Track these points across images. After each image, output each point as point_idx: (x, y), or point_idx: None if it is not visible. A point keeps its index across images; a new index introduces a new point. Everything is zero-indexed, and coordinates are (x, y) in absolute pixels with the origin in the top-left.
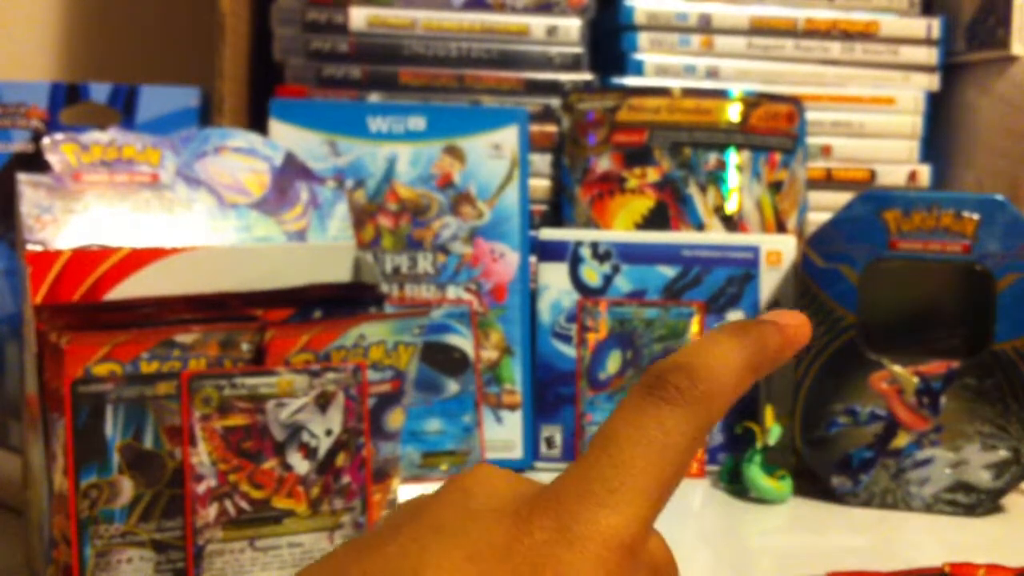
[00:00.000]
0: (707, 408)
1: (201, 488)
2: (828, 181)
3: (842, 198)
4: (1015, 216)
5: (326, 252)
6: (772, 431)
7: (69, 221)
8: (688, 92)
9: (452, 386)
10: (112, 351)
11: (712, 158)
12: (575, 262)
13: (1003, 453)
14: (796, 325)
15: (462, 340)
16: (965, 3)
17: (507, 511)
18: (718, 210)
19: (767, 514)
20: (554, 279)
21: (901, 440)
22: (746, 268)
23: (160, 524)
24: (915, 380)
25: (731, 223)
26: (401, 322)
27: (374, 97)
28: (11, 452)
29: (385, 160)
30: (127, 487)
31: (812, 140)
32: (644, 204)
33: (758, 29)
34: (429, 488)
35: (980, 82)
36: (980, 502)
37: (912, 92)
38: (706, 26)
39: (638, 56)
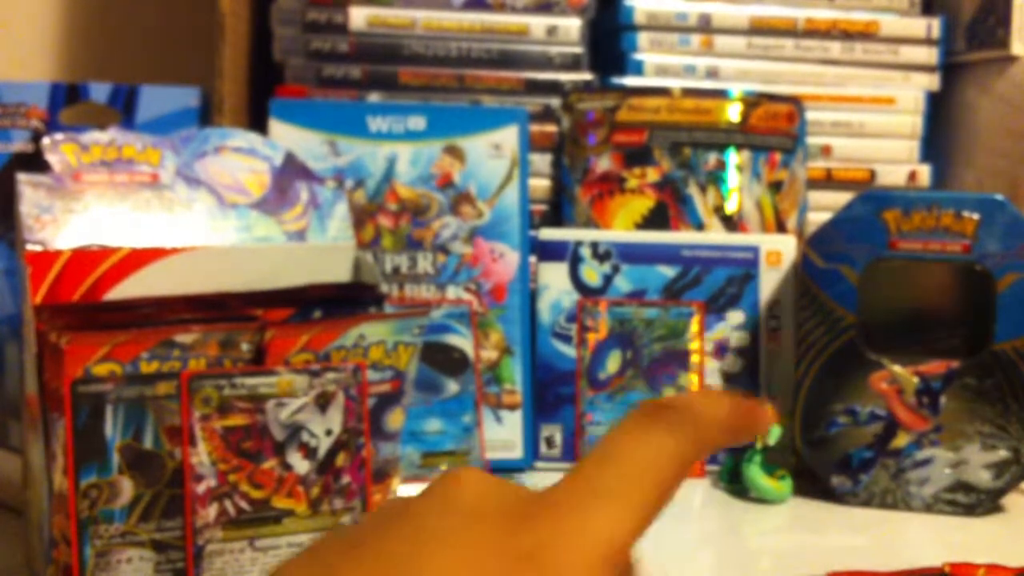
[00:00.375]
0: (698, 441)
1: (201, 488)
2: (828, 181)
3: (842, 198)
4: (1015, 216)
5: (326, 252)
6: (772, 431)
7: (69, 221)
8: (688, 92)
9: (452, 386)
10: (112, 351)
11: (712, 158)
12: (575, 262)
13: (1003, 453)
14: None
15: (462, 340)
16: (965, 3)
17: (500, 514)
18: (718, 210)
19: (767, 514)
20: (554, 279)
21: (901, 440)
22: (746, 268)
23: (160, 524)
24: (915, 380)
25: (731, 223)
26: (401, 322)
27: (374, 97)
28: (11, 452)
29: (385, 160)
30: (127, 487)
31: (812, 140)
32: (644, 204)
33: (758, 29)
34: None
35: (980, 82)
36: (980, 502)
37: (912, 92)
38: (706, 26)
39: (638, 56)
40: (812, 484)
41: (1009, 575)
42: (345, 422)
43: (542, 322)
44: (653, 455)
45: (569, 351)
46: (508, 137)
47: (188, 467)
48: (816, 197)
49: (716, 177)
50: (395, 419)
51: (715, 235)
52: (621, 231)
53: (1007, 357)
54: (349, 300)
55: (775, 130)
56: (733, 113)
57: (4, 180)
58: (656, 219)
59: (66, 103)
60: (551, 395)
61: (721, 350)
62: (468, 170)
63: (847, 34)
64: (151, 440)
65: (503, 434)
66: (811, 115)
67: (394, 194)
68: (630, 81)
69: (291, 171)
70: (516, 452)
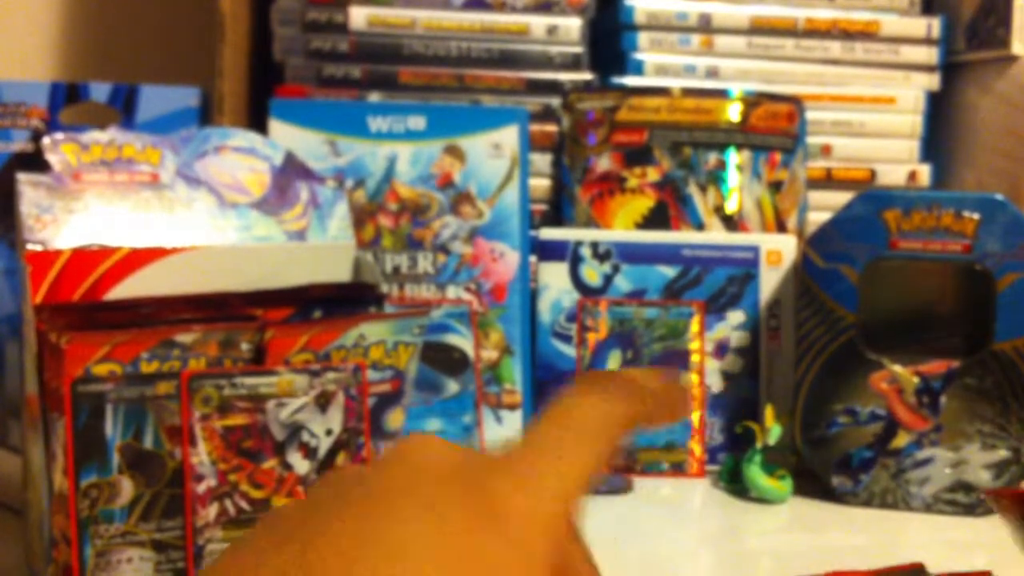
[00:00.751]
0: (637, 410)
1: (201, 488)
2: (828, 181)
3: (842, 198)
4: (1015, 216)
5: (326, 252)
6: (772, 431)
7: (69, 221)
8: (688, 92)
9: (452, 386)
10: (112, 351)
11: (712, 158)
12: (575, 262)
13: (1003, 453)
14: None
15: (462, 340)
16: (965, 3)
17: (459, 474)
18: (718, 210)
19: (767, 514)
20: (554, 279)
21: (901, 440)
22: (746, 268)
23: (160, 524)
24: (915, 380)
25: (731, 223)
26: (401, 322)
27: (374, 97)
28: (11, 452)
29: (385, 160)
30: (127, 487)
31: (812, 140)
32: (644, 204)
33: (758, 29)
34: None
35: (980, 82)
36: (980, 502)
37: (912, 92)
38: (706, 26)
39: (638, 56)
40: (812, 484)
41: None
42: (345, 422)
43: (542, 322)
44: (600, 419)
45: (569, 351)
46: (508, 137)
47: (188, 467)
48: (816, 197)
49: (716, 177)
50: (395, 419)
51: (715, 235)
52: (621, 231)
53: (1007, 357)
54: (349, 300)
55: (775, 130)
56: (733, 113)
57: (4, 180)
58: (656, 219)
59: (66, 103)
60: (551, 395)
61: (721, 350)
62: (468, 170)
63: (847, 34)
64: (151, 440)
65: (503, 434)
66: (811, 115)
67: (394, 194)
68: (630, 81)
69: (291, 171)
70: None
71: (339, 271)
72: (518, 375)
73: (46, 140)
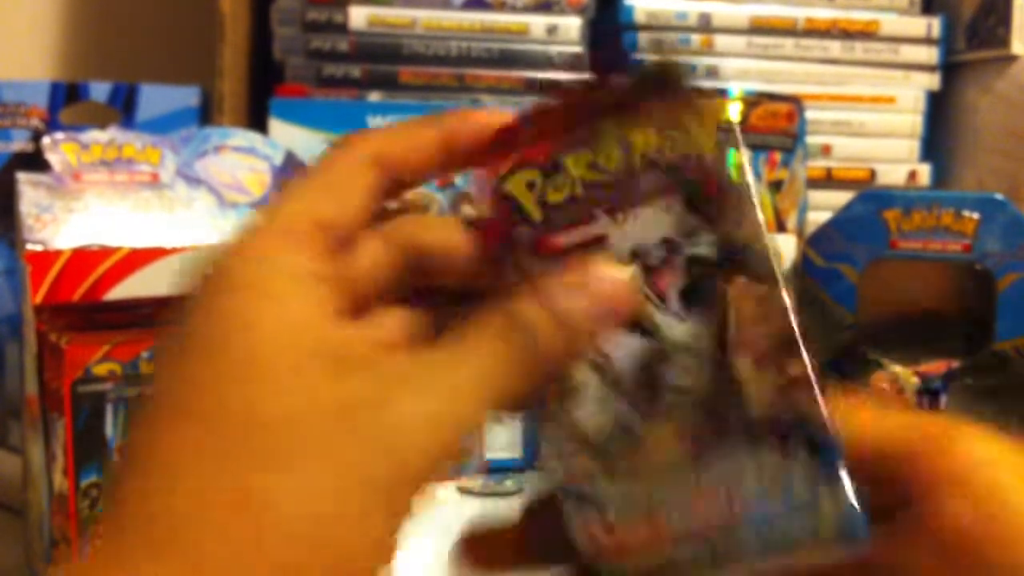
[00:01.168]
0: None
1: None
2: (828, 180)
3: (842, 198)
4: (1015, 216)
5: None
6: None
7: (69, 221)
8: None
9: None
10: (112, 351)
11: None
12: None
13: None
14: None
15: None
16: (965, 2)
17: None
18: None
19: None
20: None
21: None
22: None
23: None
24: (915, 380)
25: None
26: None
27: (374, 96)
28: (11, 452)
29: None
30: None
31: (812, 139)
32: None
33: (758, 28)
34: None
35: (980, 81)
36: None
37: (912, 91)
38: (706, 25)
39: (638, 56)
40: None
41: None
42: None
43: None
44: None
45: None
46: None
47: None
48: (816, 197)
49: None
50: None
51: None
52: None
53: (1007, 357)
54: None
55: (775, 129)
56: (733, 112)
57: (4, 180)
58: None
59: (66, 103)
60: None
61: None
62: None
63: (847, 33)
64: None
65: (503, 434)
66: (811, 114)
67: None
68: None
69: (291, 170)
70: (516, 452)
71: None
72: None
73: (46, 140)
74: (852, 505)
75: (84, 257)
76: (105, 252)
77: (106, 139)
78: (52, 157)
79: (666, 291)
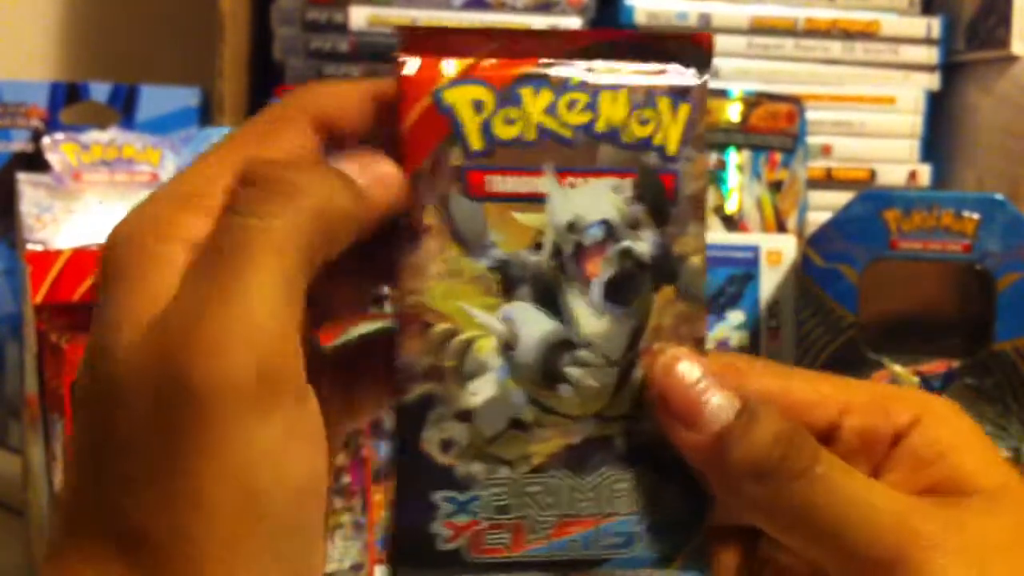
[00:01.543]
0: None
1: None
2: (828, 181)
3: (842, 198)
4: (1015, 216)
5: None
6: None
7: (69, 221)
8: None
9: None
10: None
11: (712, 158)
12: None
13: (1003, 453)
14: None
15: None
16: (965, 3)
17: None
18: (718, 210)
19: None
20: None
21: None
22: (746, 268)
23: None
24: (915, 380)
25: (731, 223)
26: None
27: None
28: (11, 452)
29: None
30: None
31: (812, 140)
32: None
33: (758, 29)
34: None
35: (980, 82)
36: None
37: (912, 92)
38: (706, 26)
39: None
40: None
41: None
42: None
43: None
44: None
45: None
46: None
47: None
48: (816, 197)
49: (716, 177)
50: None
51: (715, 235)
52: None
53: (1007, 357)
54: None
55: (775, 130)
56: (733, 113)
57: (4, 180)
58: None
59: (66, 103)
60: None
61: (721, 350)
62: None
63: (847, 34)
64: None
65: None
66: (811, 115)
67: None
68: None
69: None
70: None
71: None
72: None
73: (46, 140)
74: (706, 547)
75: (84, 257)
76: None
77: (106, 139)
78: (52, 157)
79: (591, 278)
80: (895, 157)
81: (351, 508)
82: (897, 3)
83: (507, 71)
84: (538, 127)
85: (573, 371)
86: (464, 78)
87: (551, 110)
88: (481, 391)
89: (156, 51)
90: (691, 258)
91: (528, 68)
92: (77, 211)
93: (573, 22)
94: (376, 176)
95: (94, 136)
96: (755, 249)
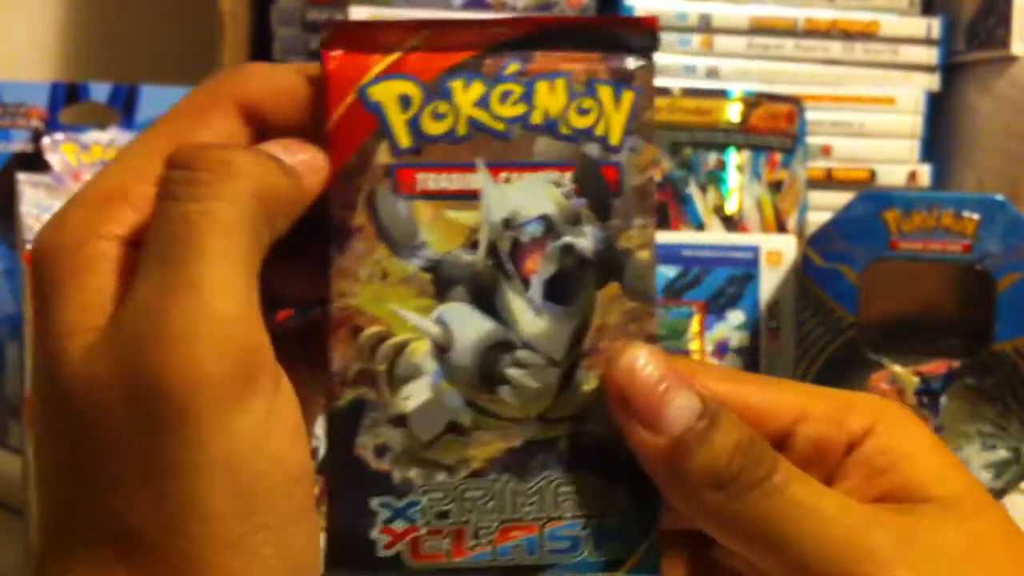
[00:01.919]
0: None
1: None
2: (828, 181)
3: (842, 198)
4: (1015, 216)
5: None
6: None
7: None
8: (688, 92)
9: None
10: None
11: (712, 158)
12: None
13: (1003, 453)
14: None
15: None
16: (965, 3)
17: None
18: (718, 210)
19: None
20: None
21: None
22: (746, 268)
23: None
24: (915, 380)
25: (731, 223)
26: None
27: None
28: (11, 452)
29: None
30: None
31: (812, 140)
32: None
33: (758, 29)
34: None
35: (980, 82)
36: None
37: (912, 92)
38: (706, 26)
39: None
40: None
41: None
42: None
43: None
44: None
45: None
46: None
47: None
48: (816, 197)
49: (716, 177)
50: None
51: (715, 235)
52: None
53: (1007, 357)
54: None
55: (775, 130)
56: (733, 113)
57: (4, 180)
58: (656, 218)
59: (66, 103)
60: None
61: (721, 350)
62: None
63: (847, 34)
64: None
65: None
66: (811, 115)
67: None
68: None
69: None
70: None
71: None
72: None
73: (46, 140)
74: (656, 552)
75: None
76: None
77: (106, 139)
78: (52, 157)
79: (530, 276)
80: (895, 157)
81: None
82: (897, 3)
83: (435, 64)
84: (469, 121)
85: (513, 372)
86: (390, 73)
87: (483, 103)
88: (415, 395)
89: (156, 51)
90: (637, 253)
91: (457, 60)
92: None
93: None
94: (304, 160)
95: (94, 136)
96: (755, 249)
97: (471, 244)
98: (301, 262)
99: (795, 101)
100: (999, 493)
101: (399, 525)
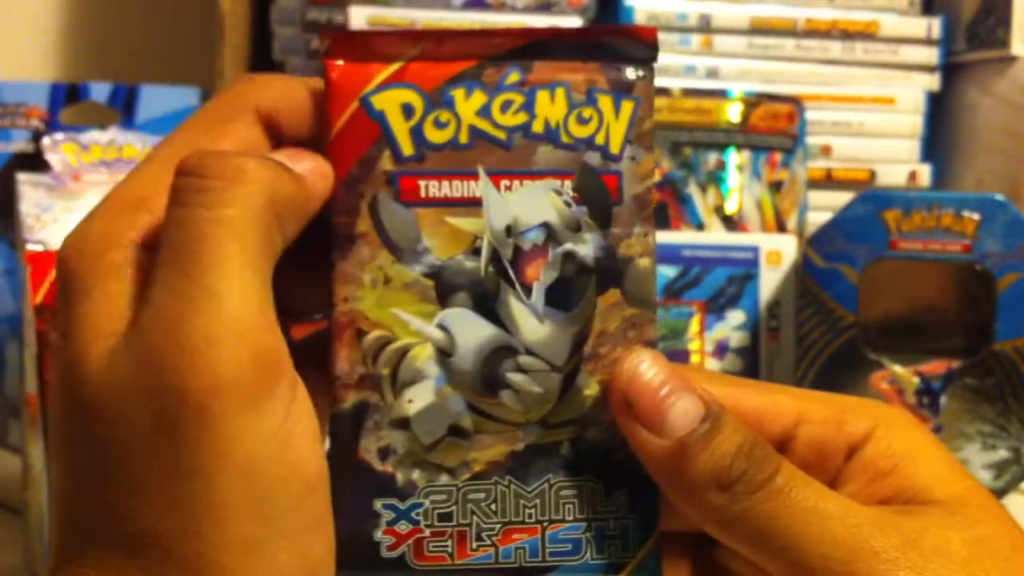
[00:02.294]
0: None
1: None
2: (828, 181)
3: (842, 198)
4: (1015, 216)
5: None
6: None
7: (69, 221)
8: (688, 92)
9: None
10: None
11: (712, 158)
12: None
13: (1003, 453)
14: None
15: None
16: (965, 3)
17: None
18: (718, 210)
19: None
20: None
21: None
22: (746, 268)
23: None
24: (915, 380)
25: (731, 223)
26: None
27: None
28: (11, 452)
29: None
30: None
31: (812, 140)
32: None
33: (758, 29)
34: None
35: (980, 82)
36: None
37: (912, 92)
38: (706, 26)
39: None
40: None
41: None
42: None
43: None
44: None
45: None
46: None
47: None
48: (816, 197)
49: (716, 177)
50: None
51: (715, 235)
52: None
53: (1007, 357)
54: None
55: (775, 130)
56: (733, 113)
57: (4, 180)
58: (656, 219)
59: (66, 103)
60: None
61: (721, 350)
62: None
63: (847, 34)
64: None
65: None
66: (811, 115)
67: None
68: None
69: None
70: None
71: None
72: None
73: (46, 140)
74: (656, 555)
75: None
76: None
77: (106, 139)
78: (52, 157)
79: (531, 282)
80: (895, 157)
81: None
82: (897, 3)
83: (437, 73)
84: (471, 129)
85: (515, 377)
86: (392, 82)
87: (484, 112)
88: (418, 399)
89: (156, 51)
90: (638, 260)
91: (459, 69)
92: (77, 211)
93: (573, 22)
94: (309, 167)
95: (94, 136)
96: (755, 249)
97: (473, 251)
98: (307, 273)
99: (795, 101)
100: (999, 493)
101: (402, 527)
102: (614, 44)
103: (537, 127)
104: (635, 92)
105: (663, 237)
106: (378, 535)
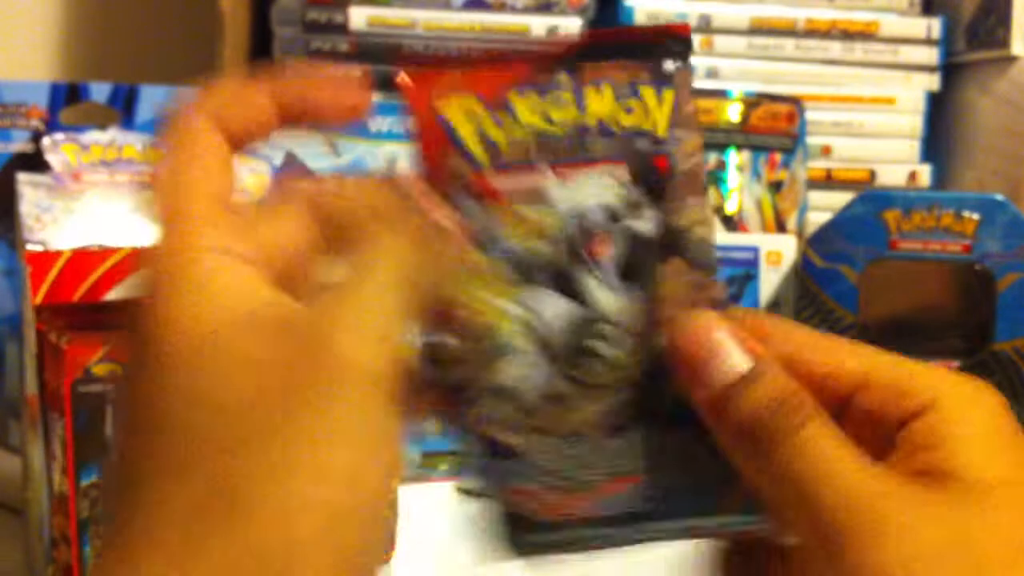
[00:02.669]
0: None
1: None
2: (828, 181)
3: (842, 198)
4: (1015, 216)
5: None
6: None
7: (69, 221)
8: None
9: None
10: (112, 351)
11: (712, 158)
12: None
13: None
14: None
15: None
16: (965, 3)
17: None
18: (718, 210)
19: None
20: None
21: None
22: (746, 268)
23: None
24: None
25: (731, 223)
26: None
27: (374, 97)
28: (11, 452)
29: (386, 160)
30: None
31: (812, 140)
32: None
33: (758, 29)
34: (428, 488)
35: (980, 82)
36: None
37: (912, 92)
38: (706, 26)
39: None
40: None
41: None
42: None
43: None
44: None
45: None
46: None
47: None
48: (816, 197)
49: (716, 177)
50: None
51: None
52: None
53: (1007, 357)
54: None
55: (775, 130)
56: (733, 113)
57: (4, 180)
58: None
59: (66, 103)
60: None
61: None
62: None
63: (847, 34)
64: None
65: None
66: (811, 115)
67: None
68: None
69: (291, 171)
70: None
71: None
72: None
73: (46, 140)
74: (744, 498)
75: (84, 257)
76: (105, 252)
77: (106, 140)
78: (52, 157)
79: (602, 259)
80: (895, 157)
81: None
82: (897, 3)
83: (496, 81)
84: (531, 130)
85: (598, 344)
86: (458, 90)
87: (541, 111)
88: (513, 370)
89: (156, 51)
90: (694, 229)
91: (515, 77)
92: (77, 211)
93: (573, 22)
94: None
95: (94, 136)
96: (755, 249)
97: (544, 236)
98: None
99: (795, 101)
100: None
101: (524, 485)
102: (652, 42)
103: (589, 121)
104: (674, 81)
105: None
106: (504, 496)
